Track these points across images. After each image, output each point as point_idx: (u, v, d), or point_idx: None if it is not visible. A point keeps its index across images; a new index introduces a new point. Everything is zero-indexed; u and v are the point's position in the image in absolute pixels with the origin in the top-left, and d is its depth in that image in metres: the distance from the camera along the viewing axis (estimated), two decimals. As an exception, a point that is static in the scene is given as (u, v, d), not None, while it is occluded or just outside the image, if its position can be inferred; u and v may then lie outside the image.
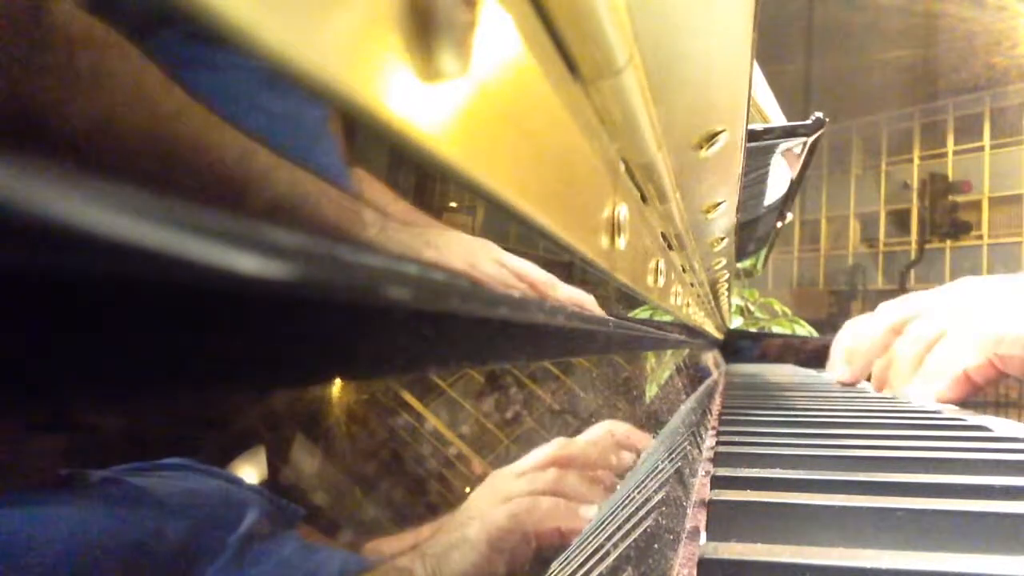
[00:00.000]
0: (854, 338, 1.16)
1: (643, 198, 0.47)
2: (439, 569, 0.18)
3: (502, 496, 0.23)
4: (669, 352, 0.89)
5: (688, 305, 0.97)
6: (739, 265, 1.88)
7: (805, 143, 1.05)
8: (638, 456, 0.42)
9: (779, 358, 2.16)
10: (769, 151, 1.03)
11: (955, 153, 9.71)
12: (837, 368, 1.24)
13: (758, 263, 2.12)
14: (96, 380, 0.10)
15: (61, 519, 0.10)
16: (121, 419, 0.11)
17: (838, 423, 0.70)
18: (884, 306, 1.13)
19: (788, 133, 1.02)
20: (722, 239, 0.91)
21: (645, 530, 0.28)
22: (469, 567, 0.20)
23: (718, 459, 0.51)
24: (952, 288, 1.02)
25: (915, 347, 0.99)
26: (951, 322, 0.97)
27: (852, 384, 1.18)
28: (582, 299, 0.35)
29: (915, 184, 9.76)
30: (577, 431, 0.36)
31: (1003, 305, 0.92)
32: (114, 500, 0.11)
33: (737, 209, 0.77)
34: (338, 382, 0.17)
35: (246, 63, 0.10)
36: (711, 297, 1.43)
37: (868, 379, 1.15)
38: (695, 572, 0.29)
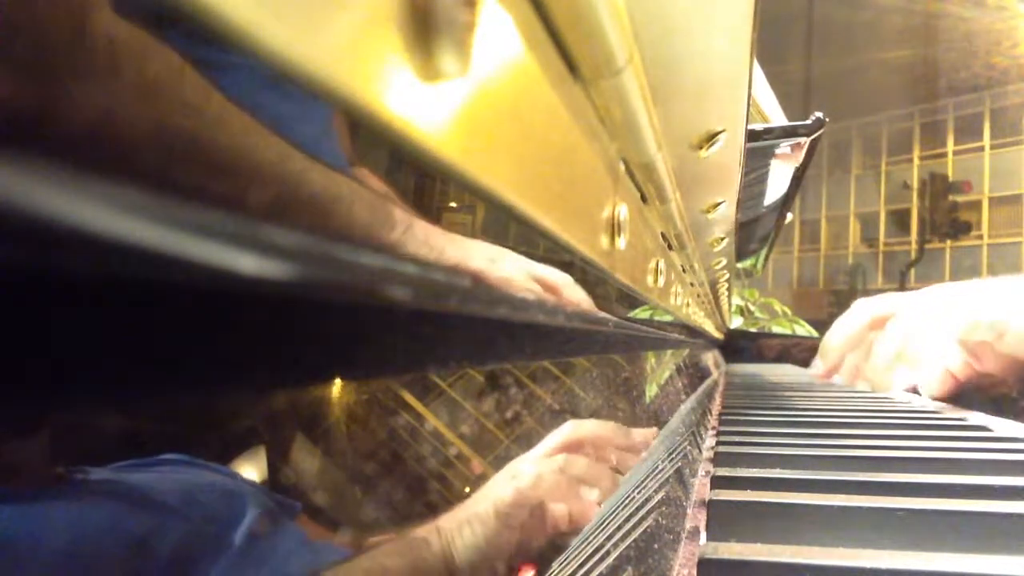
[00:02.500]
0: (829, 334, 1.20)
1: (643, 198, 0.47)
2: (452, 546, 0.19)
3: (511, 475, 0.24)
4: (669, 352, 0.89)
5: (688, 305, 0.97)
6: (739, 265, 1.88)
7: (805, 143, 1.05)
8: (640, 455, 0.42)
9: (779, 358, 2.16)
10: (769, 151, 1.03)
11: (955, 153, 9.71)
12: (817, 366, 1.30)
13: (758, 263, 2.12)
14: (96, 380, 0.10)
15: (61, 517, 0.10)
16: (121, 418, 0.11)
17: (838, 423, 0.70)
18: (860, 303, 1.16)
19: (788, 133, 1.02)
20: (722, 239, 0.91)
21: (645, 530, 0.28)
22: (481, 542, 0.20)
23: (718, 459, 0.51)
24: (925, 291, 1.06)
25: (891, 344, 1.02)
26: (925, 319, 0.99)
27: (826, 378, 1.20)
28: (582, 299, 0.35)
29: (915, 184, 9.75)
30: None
31: (971, 299, 0.95)
32: (113, 497, 0.11)
33: (737, 209, 0.77)
34: (338, 382, 0.17)
35: (247, 64, 0.10)
36: (711, 297, 1.43)
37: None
38: (695, 572, 0.29)
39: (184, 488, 0.12)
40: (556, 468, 0.28)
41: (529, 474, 0.25)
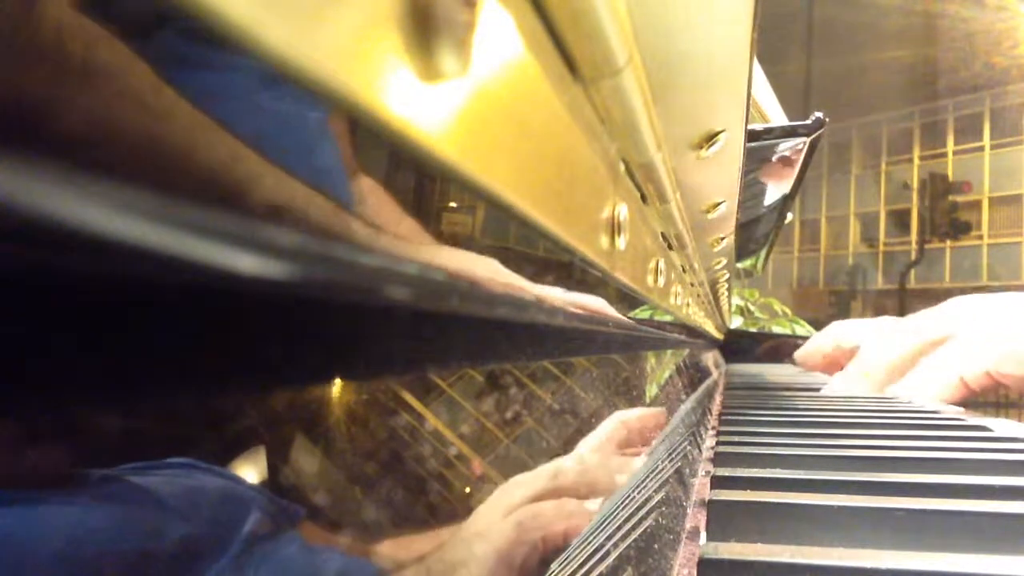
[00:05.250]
0: (872, 347, 1.22)
1: (643, 198, 0.47)
2: (456, 548, 0.19)
3: (507, 507, 0.24)
4: (669, 352, 0.89)
5: (688, 305, 0.97)
6: (739, 265, 1.88)
7: (805, 143, 1.05)
8: (640, 458, 0.41)
9: (779, 358, 2.16)
10: (769, 151, 1.03)
11: (955, 153, 9.71)
12: (809, 361, 1.34)
13: (758, 263, 2.12)
14: (96, 380, 0.10)
15: (62, 519, 0.10)
16: (121, 419, 0.11)
17: (838, 423, 0.70)
18: (896, 327, 1.19)
19: (788, 133, 1.02)
20: (722, 239, 0.91)
21: (645, 530, 0.28)
22: (481, 543, 0.20)
23: (718, 459, 0.51)
24: (958, 309, 1.08)
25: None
26: (960, 338, 1.03)
27: None
28: (581, 304, 0.35)
29: (915, 184, 9.75)
30: (577, 431, 0.36)
31: (1004, 325, 0.99)
32: (116, 499, 0.11)
33: (737, 209, 0.77)
34: (338, 382, 0.17)
35: (245, 63, 0.10)
36: (711, 297, 1.43)
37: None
38: (695, 572, 0.29)
39: (185, 491, 0.12)
40: (564, 471, 0.28)
41: (528, 499, 0.25)
